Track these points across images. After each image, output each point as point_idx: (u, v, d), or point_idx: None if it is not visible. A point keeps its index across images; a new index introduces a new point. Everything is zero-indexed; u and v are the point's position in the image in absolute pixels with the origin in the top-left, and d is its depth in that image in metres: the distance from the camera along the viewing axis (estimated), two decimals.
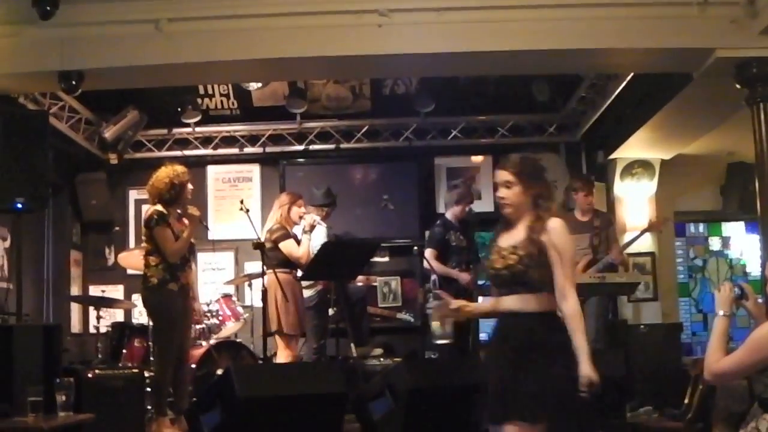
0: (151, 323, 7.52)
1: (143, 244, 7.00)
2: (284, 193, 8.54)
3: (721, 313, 3.89)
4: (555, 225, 4.14)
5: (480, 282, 8.06)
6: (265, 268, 7.61)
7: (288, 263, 7.85)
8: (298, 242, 7.90)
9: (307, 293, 8.16)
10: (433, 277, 8.36)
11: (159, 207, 6.82)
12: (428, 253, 8.32)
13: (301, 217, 8.06)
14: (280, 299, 7.60)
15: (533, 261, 4.09)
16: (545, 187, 4.29)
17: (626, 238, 9.44)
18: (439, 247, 8.35)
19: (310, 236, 7.90)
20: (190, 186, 6.99)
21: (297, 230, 8.09)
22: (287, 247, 7.80)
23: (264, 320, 7.66)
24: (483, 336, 9.42)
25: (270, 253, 7.73)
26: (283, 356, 7.79)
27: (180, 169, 6.94)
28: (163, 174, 6.88)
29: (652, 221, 9.05)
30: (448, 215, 8.55)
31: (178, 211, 6.94)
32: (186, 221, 6.93)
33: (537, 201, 4.21)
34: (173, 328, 6.74)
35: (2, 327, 6.81)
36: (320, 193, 8.66)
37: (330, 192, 8.71)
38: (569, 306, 4.04)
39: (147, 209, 7.01)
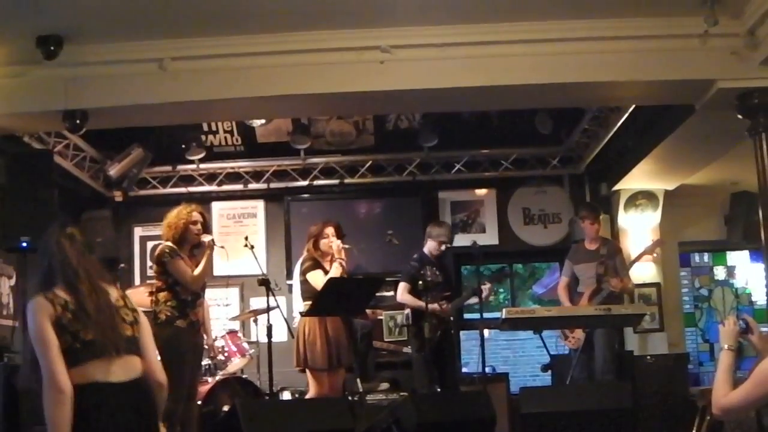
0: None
1: (149, 281, 6.97)
2: (313, 225, 8.06)
3: (726, 347, 3.86)
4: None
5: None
6: (269, 304, 7.54)
7: None
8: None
9: None
10: (407, 310, 8.33)
11: (168, 243, 6.83)
12: (401, 286, 8.28)
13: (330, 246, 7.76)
14: (308, 333, 7.53)
15: None
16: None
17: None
18: (412, 281, 8.27)
19: (338, 264, 7.64)
20: (195, 226, 6.94)
21: None
22: (312, 278, 7.64)
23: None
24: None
25: (303, 287, 7.67)
26: (313, 392, 7.64)
27: (183, 211, 6.88)
28: (168, 218, 6.90)
29: (647, 246, 9.09)
30: (425, 249, 8.48)
31: (192, 250, 6.94)
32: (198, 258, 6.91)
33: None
34: (182, 364, 6.71)
35: (8, 366, 6.81)
36: None
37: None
38: None
39: (158, 246, 6.98)
